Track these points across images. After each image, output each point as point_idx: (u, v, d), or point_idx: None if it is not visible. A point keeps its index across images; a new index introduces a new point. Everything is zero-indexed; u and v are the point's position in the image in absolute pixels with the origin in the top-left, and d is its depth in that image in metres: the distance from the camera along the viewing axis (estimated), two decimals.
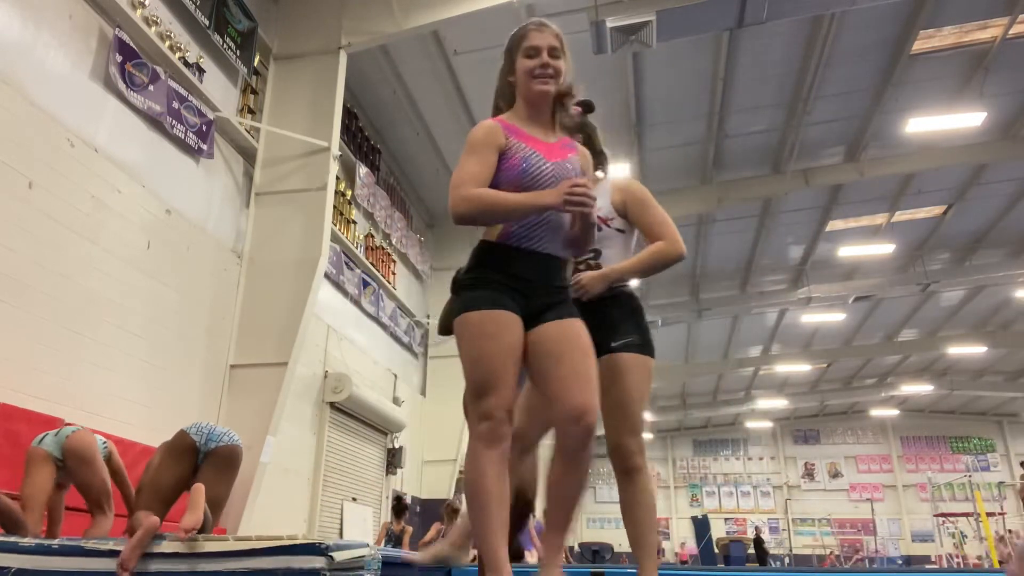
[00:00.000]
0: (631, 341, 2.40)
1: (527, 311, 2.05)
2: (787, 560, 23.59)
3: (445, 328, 2.19)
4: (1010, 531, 14.18)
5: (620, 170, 11.32)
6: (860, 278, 16.18)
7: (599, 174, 2.64)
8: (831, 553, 23.93)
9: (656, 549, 2.43)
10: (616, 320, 2.43)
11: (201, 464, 3.13)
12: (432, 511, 10.60)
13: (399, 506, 8.31)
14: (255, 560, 2.62)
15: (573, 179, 2.00)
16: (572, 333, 2.06)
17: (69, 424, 4.00)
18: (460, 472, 13.44)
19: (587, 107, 2.70)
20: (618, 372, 2.36)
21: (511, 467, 2.15)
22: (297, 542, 2.64)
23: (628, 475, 2.40)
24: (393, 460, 10.84)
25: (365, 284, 10.27)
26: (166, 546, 2.92)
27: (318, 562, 2.56)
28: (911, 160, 12.07)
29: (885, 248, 14.80)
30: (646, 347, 2.43)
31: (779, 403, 25.23)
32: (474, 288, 2.06)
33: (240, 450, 3.19)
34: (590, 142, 2.63)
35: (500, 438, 1.97)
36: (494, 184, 2.07)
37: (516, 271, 2.06)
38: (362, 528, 9.44)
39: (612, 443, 2.40)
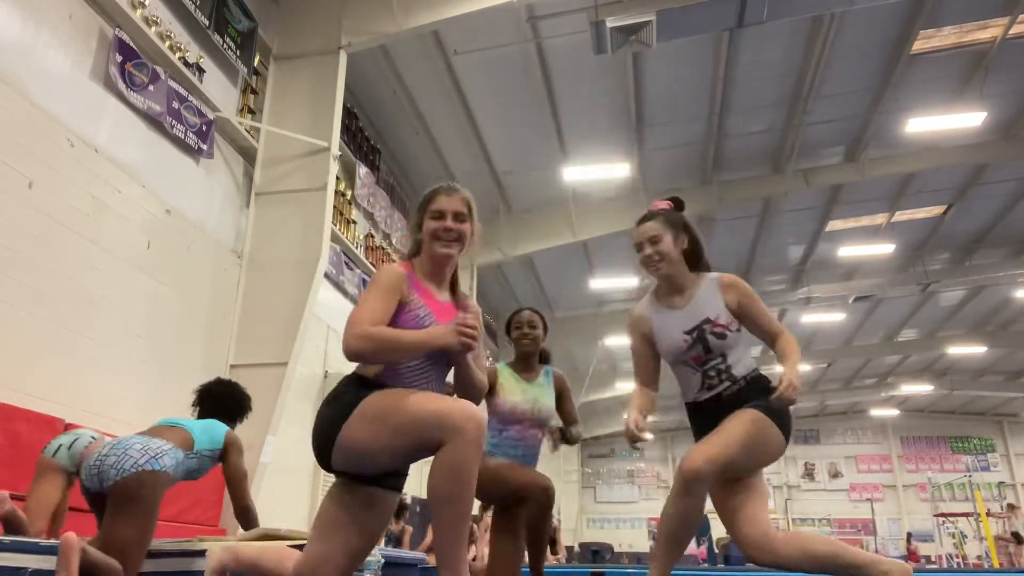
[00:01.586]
0: (760, 403, 2.53)
1: None
2: None
3: (322, 447, 2.12)
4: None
5: (620, 170, 11.34)
6: (860, 278, 16.19)
7: (708, 279, 2.67)
8: None
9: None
10: (751, 395, 2.58)
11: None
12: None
13: (399, 506, 8.31)
14: None
15: (461, 316, 2.04)
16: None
17: (78, 427, 3.97)
18: None
19: (679, 205, 2.76)
20: (737, 415, 2.51)
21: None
22: None
23: (677, 484, 2.52)
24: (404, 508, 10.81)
25: (365, 284, 10.26)
26: (193, 543, 2.95)
27: None
28: (911, 160, 12.09)
29: (885, 248, 14.81)
30: (768, 411, 2.53)
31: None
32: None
33: (139, 478, 2.59)
34: (693, 250, 2.67)
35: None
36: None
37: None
38: None
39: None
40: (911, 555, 21.15)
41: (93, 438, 3.34)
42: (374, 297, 2.10)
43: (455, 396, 2.15)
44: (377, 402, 2.01)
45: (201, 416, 3.32)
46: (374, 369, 2.12)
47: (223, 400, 3.38)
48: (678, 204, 2.75)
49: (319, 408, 2.17)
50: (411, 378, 2.10)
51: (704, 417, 2.57)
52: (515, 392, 3.39)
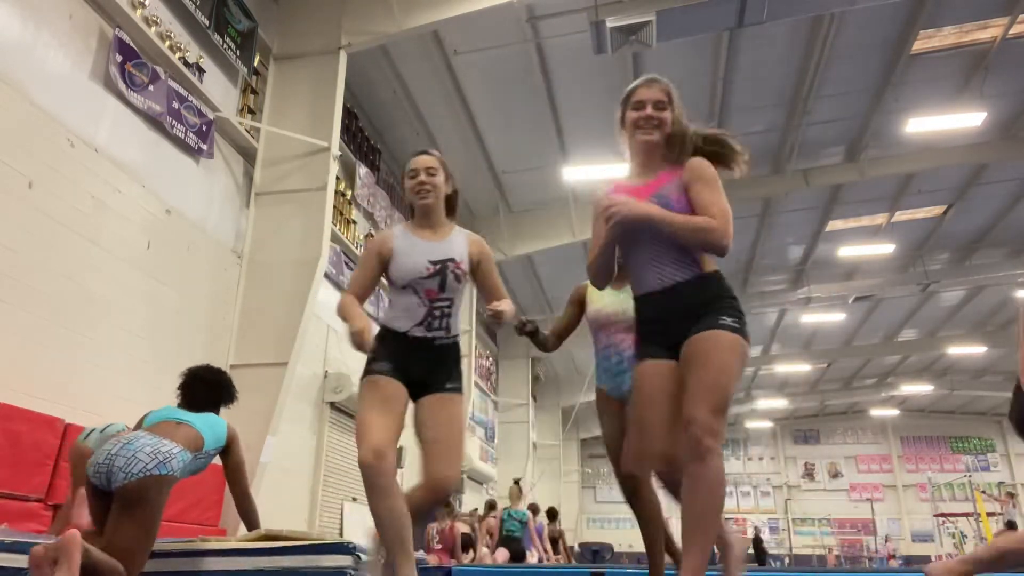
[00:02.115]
0: (460, 385, 2.77)
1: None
2: (787, 560, 23.59)
3: None
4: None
5: (620, 170, 11.32)
6: (860, 278, 16.19)
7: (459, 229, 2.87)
8: (831, 551, 23.91)
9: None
10: (453, 364, 2.78)
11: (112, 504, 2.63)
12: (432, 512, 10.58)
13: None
14: (285, 558, 2.66)
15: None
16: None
17: (78, 427, 3.98)
18: (460, 472, 13.42)
19: None
20: (449, 406, 2.68)
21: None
22: (326, 541, 2.69)
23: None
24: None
25: None
26: (196, 542, 2.96)
27: (345, 561, 2.62)
28: (911, 160, 12.08)
29: (885, 248, 14.81)
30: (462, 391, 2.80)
31: (779, 403, 25.23)
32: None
33: (146, 483, 2.59)
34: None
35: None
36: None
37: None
38: (363, 528, 9.44)
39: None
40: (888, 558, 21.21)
41: (126, 427, 3.34)
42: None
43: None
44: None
45: (188, 401, 3.21)
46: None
47: (213, 388, 3.31)
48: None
49: None
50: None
51: (409, 353, 2.74)
52: (603, 298, 3.32)
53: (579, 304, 3.46)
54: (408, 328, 2.62)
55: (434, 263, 2.62)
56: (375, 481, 2.33)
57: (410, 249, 2.67)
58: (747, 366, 2.48)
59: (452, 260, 2.65)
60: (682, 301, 2.24)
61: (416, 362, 2.59)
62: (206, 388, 3.28)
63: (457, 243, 2.72)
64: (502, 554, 8.47)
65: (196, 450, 2.87)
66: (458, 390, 2.64)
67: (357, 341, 2.45)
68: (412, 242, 2.69)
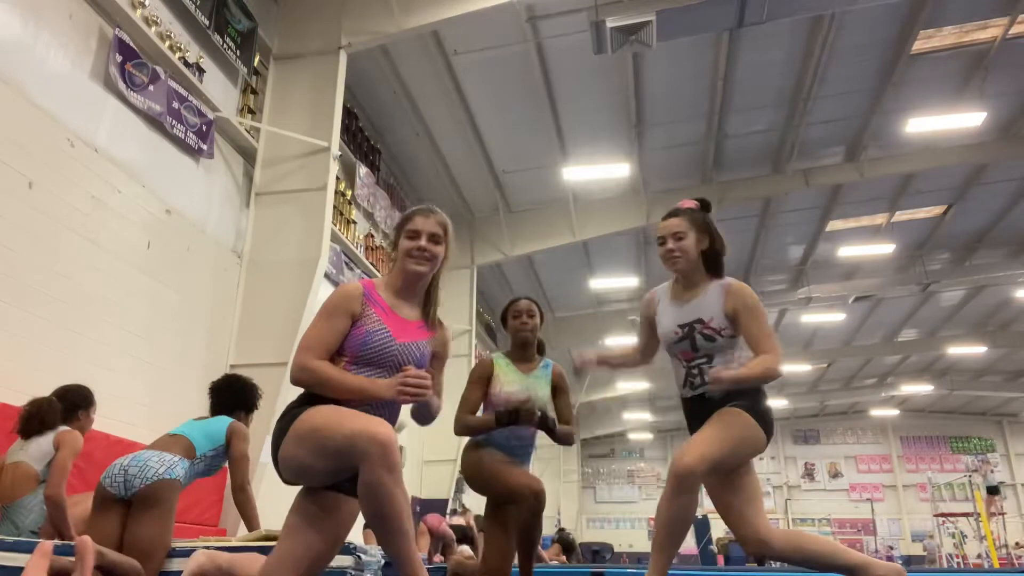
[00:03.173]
0: (741, 403, 2.61)
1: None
2: None
3: (275, 460, 2.24)
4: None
5: (620, 170, 11.34)
6: (860, 278, 16.19)
7: (718, 282, 2.75)
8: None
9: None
10: (733, 396, 2.63)
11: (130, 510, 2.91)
12: (431, 511, 10.59)
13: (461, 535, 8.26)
14: None
15: (409, 370, 2.08)
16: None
17: None
18: (460, 472, 13.43)
19: (705, 207, 2.85)
20: (721, 414, 2.60)
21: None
22: None
23: (670, 481, 2.58)
24: None
25: None
26: (197, 543, 2.98)
27: (346, 561, 2.62)
28: (911, 160, 12.08)
29: (885, 248, 14.81)
30: (752, 410, 2.63)
31: (779, 403, 25.23)
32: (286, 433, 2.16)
33: (160, 485, 2.90)
34: (711, 254, 2.75)
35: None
36: (340, 346, 2.20)
37: None
38: (359, 527, 9.43)
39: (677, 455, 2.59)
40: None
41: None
42: (320, 320, 2.23)
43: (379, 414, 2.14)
44: (304, 422, 2.06)
45: (214, 412, 3.45)
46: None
47: (230, 393, 3.51)
48: (705, 205, 2.85)
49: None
50: (356, 403, 2.13)
51: (692, 413, 2.71)
52: (511, 383, 3.29)
53: (484, 381, 3.35)
54: (680, 393, 2.82)
55: (681, 326, 2.77)
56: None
57: (664, 312, 2.88)
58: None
59: (700, 321, 2.74)
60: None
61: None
62: (221, 394, 3.49)
63: (710, 300, 2.75)
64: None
65: (191, 456, 3.12)
66: (739, 407, 2.68)
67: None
68: (667, 305, 2.86)
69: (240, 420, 3.43)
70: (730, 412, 2.55)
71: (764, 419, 2.59)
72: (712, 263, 2.74)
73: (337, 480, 2.13)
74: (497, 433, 3.23)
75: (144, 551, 2.69)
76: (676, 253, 2.70)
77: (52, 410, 3.65)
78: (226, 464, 3.31)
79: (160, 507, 2.88)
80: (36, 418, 3.61)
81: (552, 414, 3.30)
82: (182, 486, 3.02)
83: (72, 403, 3.75)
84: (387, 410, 2.18)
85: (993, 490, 14.53)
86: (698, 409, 2.65)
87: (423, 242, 2.27)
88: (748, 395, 2.59)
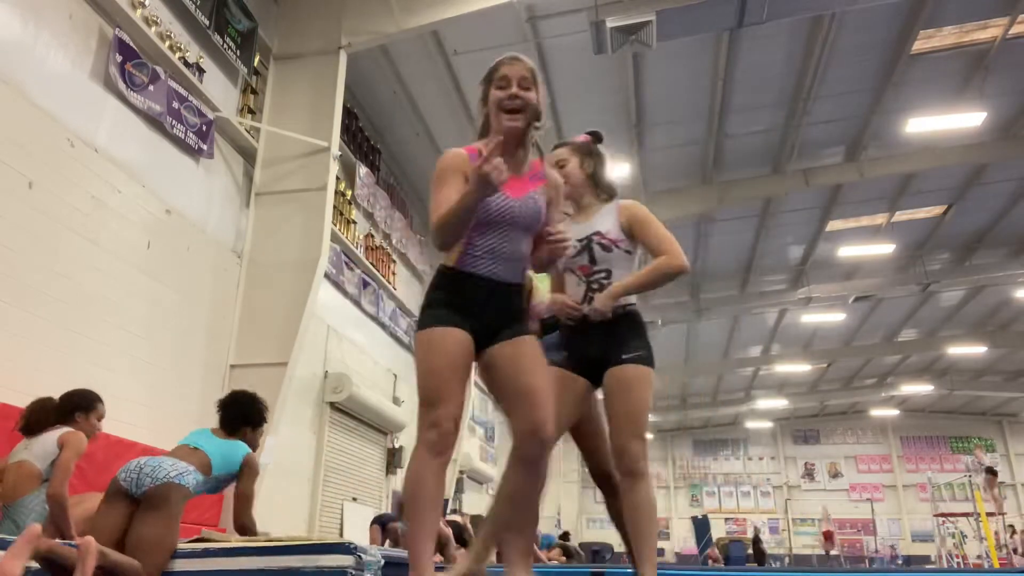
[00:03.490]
0: (640, 355, 2.58)
1: (480, 331, 2.19)
2: (787, 560, 23.60)
3: None
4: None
5: (620, 170, 11.33)
6: (860, 278, 16.18)
7: (612, 202, 2.82)
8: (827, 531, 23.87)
9: (655, 555, 2.53)
10: (625, 335, 2.61)
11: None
12: None
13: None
14: (286, 558, 2.66)
15: (484, 158, 2.01)
16: (524, 350, 2.21)
17: None
18: (460, 472, 13.44)
19: (596, 137, 2.92)
20: (627, 382, 2.54)
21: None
22: (327, 542, 2.70)
23: (632, 478, 2.49)
24: (393, 460, 10.84)
25: (365, 284, 10.27)
26: (197, 543, 2.99)
27: (347, 561, 2.62)
28: (911, 160, 12.07)
29: (885, 248, 14.81)
30: (650, 360, 2.62)
31: (779, 403, 25.24)
32: (428, 309, 2.22)
33: (168, 487, 3.01)
34: (596, 174, 2.84)
35: (446, 447, 2.10)
36: None
37: (467, 294, 2.19)
38: (363, 528, 9.44)
39: (618, 447, 2.51)
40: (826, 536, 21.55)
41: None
42: (437, 190, 2.19)
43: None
44: (416, 349, 2.20)
45: (223, 426, 3.56)
46: (452, 257, 2.22)
47: (236, 409, 3.62)
48: (596, 137, 2.95)
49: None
50: (482, 261, 2.19)
51: (580, 336, 2.65)
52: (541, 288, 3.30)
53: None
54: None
55: (579, 240, 2.76)
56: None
57: None
58: None
59: (597, 233, 2.75)
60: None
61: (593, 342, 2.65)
62: (233, 409, 3.61)
63: (604, 216, 2.80)
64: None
65: (206, 473, 3.26)
66: (642, 361, 2.65)
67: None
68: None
69: (247, 436, 3.55)
70: (632, 375, 2.53)
71: (653, 363, 2.61)
72: (600, 186, 2.83)
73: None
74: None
75: (145, 550, 2.76)
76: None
77: (51, 410, 3.69)
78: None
79: (165, 509, 2.94)
80: (35, 416, 3.66)
81: None
82: (190, 494, 3.11)
83: (73, 405, 3.76)
84: (503, 228, 2.19)
85: (991, 471, 14.52)
86: (585, 330, 2.61)
87: (515, 89, 2.21)
88: (641, 333, 2.62)
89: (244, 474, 3.41)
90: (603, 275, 2.65)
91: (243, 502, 3.43)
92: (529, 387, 2.14)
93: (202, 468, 3.24)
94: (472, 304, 2.17)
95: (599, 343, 2.59)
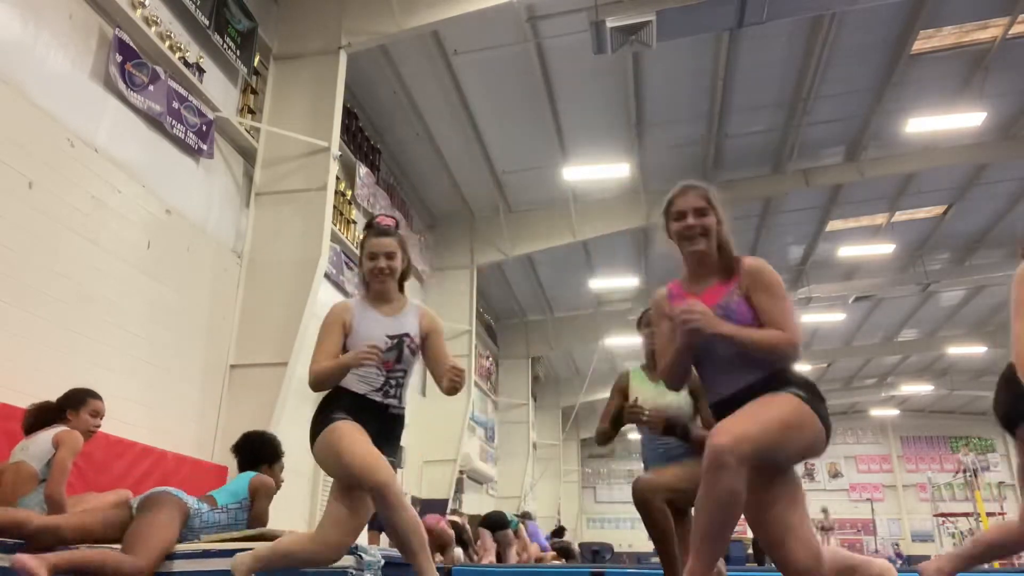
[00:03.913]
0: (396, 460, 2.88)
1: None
2: None
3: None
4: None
5: (620, 170, 11.33)
6: (860, 278, 16.19)
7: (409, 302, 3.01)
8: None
9: None
10: (398, 437, 2.90)
11: None
12: (432, 511, 10.59)
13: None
14: None
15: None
16: None
17: None
18: (460, 472, 13.44)
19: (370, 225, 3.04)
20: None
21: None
22: None
23: None
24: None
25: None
26: (202, 541, 3.00)
27: (347, 561, 2.63)
28: (911, 160, 12.08)
29: (885, 248, 14.80)
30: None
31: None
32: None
33: (163, 495, 3.16)
34: (408, 269, 3.01)
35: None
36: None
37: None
38: (363, 528, 9.44)
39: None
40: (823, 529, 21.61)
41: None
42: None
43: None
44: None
45: (241, 469, 3.71)
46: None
47: (249, 450, 3.76)
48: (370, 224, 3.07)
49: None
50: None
51: (371, 419, 2.72)
52: (647, 392, 3.37)
53: (622, 393, 3.49)
54: (365, 392, 2.73)
55: (391, 337, 2.80)
56: (396, 499, 2.51)
57: (370, 323, 2.82)
58: (816, 447, 2.19)
59: (407, 335, 2.82)
60: (751, 395, 2.20)
61: (369, 424, 2.67)
62: (246, 451, 3.76)
63: (410, 319, 2.88)
64: None
65: (212, 505, 3.36)
66: (396, 465, 2.77)
67: (367, 353, 2.59)
68: (370, 317, 2.84)
69: (264, 473, 3.59)
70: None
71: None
72: (403, 280, 2.97)
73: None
74: (646, 445, 3.48)
75: (131, 543, 2.86)
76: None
77: (48, 411, 3.72)
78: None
79: (155, 510, 3.02)
80: (33, 418, 3.70)
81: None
82: (188, 511, 3.16)
83: (64, 403, 3.79)
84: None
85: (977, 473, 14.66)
86: (377, 415, 2.76)
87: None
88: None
89: (257, 498, 3.44)
90: (401, 375, 2.81)
91: (257, 524, 3.43)
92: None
93: (208, 502, 3.33)
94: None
95: (382, 434, 2.76)
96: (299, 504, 8.21)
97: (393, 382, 2.76)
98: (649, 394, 3.35)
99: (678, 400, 3.28)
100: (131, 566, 2.71)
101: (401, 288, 2.91)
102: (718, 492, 2.00)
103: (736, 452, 1.98)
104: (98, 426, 3.90)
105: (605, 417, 3.48)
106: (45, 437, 3.55)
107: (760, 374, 2.22)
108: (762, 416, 2.08)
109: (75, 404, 3.81)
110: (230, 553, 2.75)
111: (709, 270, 2.35)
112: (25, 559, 2.47)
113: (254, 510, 3.43)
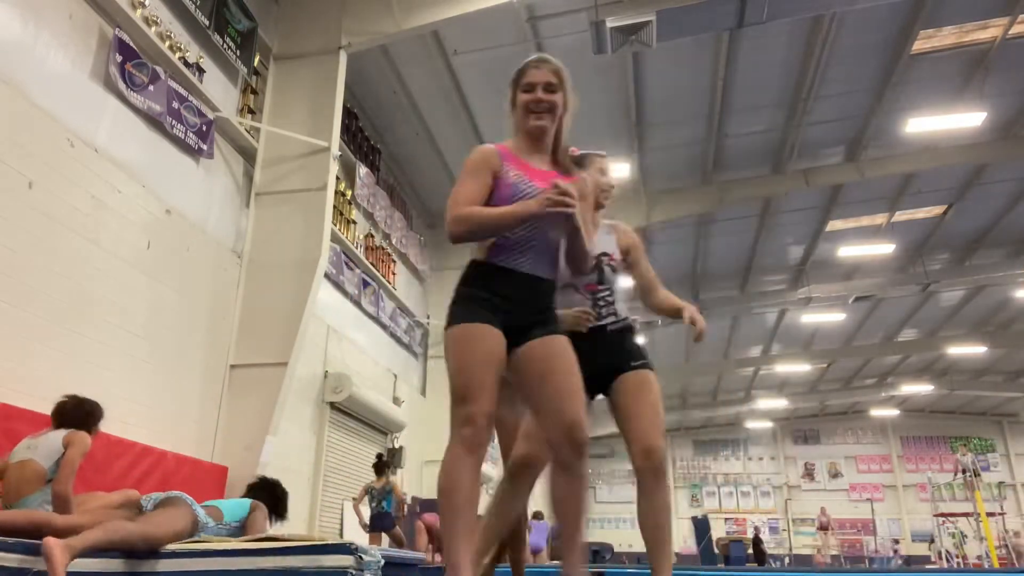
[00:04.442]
0: (648, 362, 2.71)
1: (511, 327, 2.16)
2: (787, 560, 23.59)
3: None
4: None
5: (620, 170, 11.33)
6: (860, 278, 16.18)
7: (604, 222, 2.95)
8: (819, 551, 23.87)
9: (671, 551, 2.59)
10: (632, 346, 2.75)
11: None
12: (432, 511, 10.59)
13: (379, 463, 8.16)
14: (286, 558, 2.66)
15: (552, 184, 2.11)
16: (557, 350, 2.19)
17: None
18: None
19: (579, 163, 2.90)
20: (647, 384, 2.65)
21: (525, 492, 2.65)
22: (328, 542, 2.70)
23: (657, 476, 2.54)
24: (393, 460, 10.84)
25: (365, 284, 10.27)
26: (200, 543, 3.01)
27: (347, 561, 2.63)
28: (911, 160, 12.08)
29: (885, 248, 14.80)
30: (652, 368, 2.78)
31: (779, 403, 25.23)
32: (460, 304, 2.19)
33: (177, 498, 3.26)
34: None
35: (480, 444, 2.08)
36: (489, 205, 2.19)
37: (499, 289, 2.18)
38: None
39: (648, 445, 2.53)
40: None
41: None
42: (463, 181, 2.21)
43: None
44: (448, 344, 2.15)
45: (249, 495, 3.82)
46: (483, 251, 2.23)
47: (266, 494, 3.84)
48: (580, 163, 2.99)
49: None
50: (515, 255, 2.19)
51: (589, 346, 2.59)
52: None
53: None
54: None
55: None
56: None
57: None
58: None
59: (605, 254, 2.81)
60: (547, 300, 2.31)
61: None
62: (262, 494, 3.82)
63: (605, 237, 2.88)
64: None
65: (218, 519, 3.41)
66: (648, 367, 2.75)
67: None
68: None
69: (263, 510, 3.66)
70: (649, 379, 2.64)
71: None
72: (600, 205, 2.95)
73: None
74: None
75: (145, 520, 2.97)
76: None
77: (79, 409, 3.76)
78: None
79: (172, 508, 3.11)
80: (65, 409, 3.72)
81: None
82: (196, 519, 3.21)
83: (92, 415, 3.81)
84: (537, 245, 2.20)
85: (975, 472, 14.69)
86: (595, 341, 2.66)
87: (540, 94, 2.28)
88: (643, 348, 2.74)
89: (249, 520, 3.54)
90: (607, 293, 2.75)
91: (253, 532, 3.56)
92: (562, 388, 2.14)
93: (214, 515, 3.41)
94: (504, 299, 2.16)
95: (607, 352, 2.66)
96: (300, 504, 8.21)
97: (602, 303, 2.72)
98: None
99: None
100: (141, 538, 2.82)
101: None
102: (585, 473, 2.27)
103: (586, 440, 2.19)
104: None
105: None
106: (55, 436, 3.56)
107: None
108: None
109: (98, 421, 3.85)
110: (230, 553, 2.75)
111: (542, 149, 2.34)
112: (53, 543, 2.54)
113: (252, 520, 3.57)
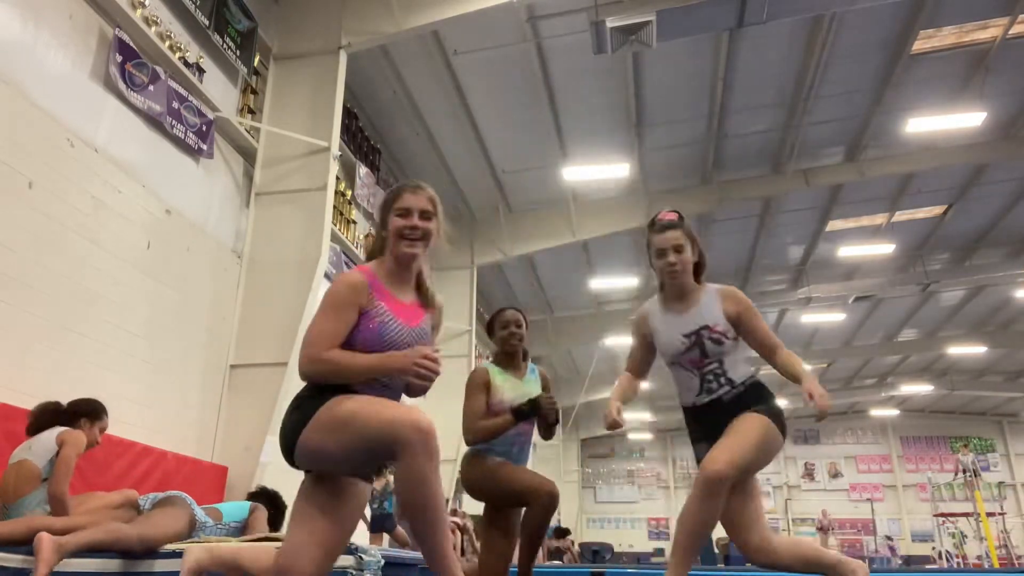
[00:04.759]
0: (764, 407, 2.74)
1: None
2: None
3: (287, 449, 2.08)
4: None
5: (620, 170, 11.34)
6: (860, 278, 16.18)
7: (705, 287, 2.88)
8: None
9: None
10: (753, 399, 2.76)
11: None
12: None
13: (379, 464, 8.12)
14: None
15: (424, 349, 2.03)
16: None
17: None
18: (459, 472, 13.43)
19: (682, 217, 2.89)
20: (748, 419, 2.67)
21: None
22: None
23: (699, 485, 2.61)
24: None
25: None
26: (198, 543, 3.03)
27: (347, 561, 2.63)
28: (911, 160, 12.08)
29: (885, 248, 14.81)
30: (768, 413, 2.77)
31: (779, 403, 25.20)
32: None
33: (175, 497, 3.39)
34: (701, 261, 2.89)
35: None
36: (348, 341, 2.07)
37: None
38: (361, 528, 9.44)
39: (708, 458, 2.58)
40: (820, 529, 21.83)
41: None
42: (327, 315, 2.08)
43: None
44: (330, 412, 1.98)
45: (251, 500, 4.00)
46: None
47: (271, 502, 3.99)
48: (681, 217, 2.91)
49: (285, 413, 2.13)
50: (365, 389, 2.09)
51: (705, 421, 2.74)
52: (507, 390, 3.34)
53: (486, 388, 3.39)
54: (691, 402, 2.83)
55: (686, 336, 2.76)
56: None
57: (667, 325, 2.81)
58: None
59: (706, 327, 2.75)
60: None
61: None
62: (268, 500, 3.99)
63: (709, 306, 2.80)
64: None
65: (217, 520, 3.53)
66: (761, 412, 2.77)
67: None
68: (665, 318, 2.84)
69: (263, 512, 3.78)
70: (753, 417, 2.63)
71: (781, 420, 2.68)
72: (698, 271, 2.85)
73: (356, 470, 2.12)
74: (498, 440, 3.29)
75: (141, 523, 3.08)
76: (678, 267, 2.74)
77: (56, 412, 3.74)
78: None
79: (170, 508, 3.20)
80: (40, 419, 3.70)
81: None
82: (193, 517, 3.31)
83: (80, 411, 3.81)
84: (391, 392, 2.15)
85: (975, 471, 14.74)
86: (709, 414, 2.71)
87: (415, 220, 2.19)
88: (764, 397, 2.70)
89: (250, 521, 3.63)
90: (715, 365, 2.74)
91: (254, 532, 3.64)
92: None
93: (215, 517, 3.54)
94: None
95: (730, 414, 2.70)
96: None
97: (710, 376, 2.74)
98: (509, 392, 3.33)
99: (538, 390, 3.42)
100: (138, 539, 2.88)
101: (698, 279, 2.80)
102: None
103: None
104: (98, 443, 3.93)
105: (474, 415, 3.32)
106: (49, 436, 3.56)
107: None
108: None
109: (92, 416, 3.83)
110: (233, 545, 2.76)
111: (408, 278, 2.26)
112: (45, 538, 2.59)
113: (252, 520, 3.66)
